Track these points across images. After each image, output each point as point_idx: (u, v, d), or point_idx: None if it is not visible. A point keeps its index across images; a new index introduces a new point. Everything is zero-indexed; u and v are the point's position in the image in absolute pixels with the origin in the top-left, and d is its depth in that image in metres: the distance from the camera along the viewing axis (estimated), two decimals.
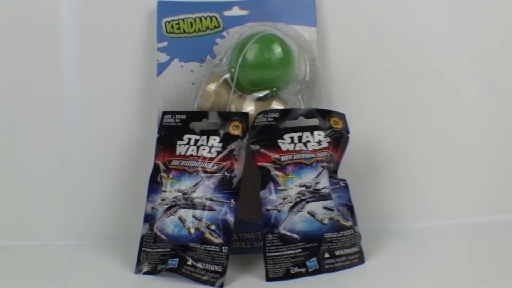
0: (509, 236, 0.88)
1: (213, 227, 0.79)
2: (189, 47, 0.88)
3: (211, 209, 0.79)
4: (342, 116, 0.83)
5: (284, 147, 0.81)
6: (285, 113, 0.81)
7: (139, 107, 0.91)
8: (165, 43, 0.88)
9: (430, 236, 0.89)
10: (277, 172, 0.80)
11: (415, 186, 0.93)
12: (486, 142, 0.93)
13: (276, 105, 0.84)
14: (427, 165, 0.93)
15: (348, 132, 0.83)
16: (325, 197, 0.80)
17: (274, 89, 0.85)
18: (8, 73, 0.92)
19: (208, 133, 0.82)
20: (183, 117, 0.83)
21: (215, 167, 0.81)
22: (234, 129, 0.81)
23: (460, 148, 0.93)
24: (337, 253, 0.80)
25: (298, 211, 0.79)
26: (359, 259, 0.81)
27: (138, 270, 0.81)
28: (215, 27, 0.89)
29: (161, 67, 0.88)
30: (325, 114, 0.83)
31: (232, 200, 0.79)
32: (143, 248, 0.82)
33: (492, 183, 0.93)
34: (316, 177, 0.81)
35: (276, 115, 0.81)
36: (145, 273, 0.81)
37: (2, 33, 0.91)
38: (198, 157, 0.82)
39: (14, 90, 0.92)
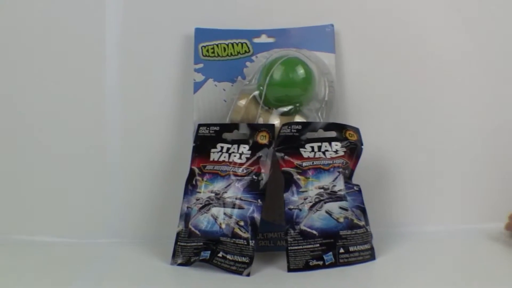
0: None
1: (241, 223, 0.85)
2: (222, 69, 0.95)
3: (240, 207, 0.86)
4: (356, 130, 0.90)
5: (305, 154, 0.88)
6: (307, 126, 0.89)
7: (177, 121, 0.97)
8: (201, 65, 0.95)
9: (435, 239, 0.94)
10: (299, 176, 0.87)
11: (421, 194, 0.99)
12: (490, 156, 0.99)
13: (298, 119, 0.91)
14: (432, 176, 0.99)
15: (361, 144, 0.90)
16: (341, 198, 0.87)
17: (297, 105, 0.91)
18: (55, 89, 0.98)
19: (238, 142, 0.89)
20: (217, 128, 0.90)
21: (245, 171, 0.88)
22: (262, 139, 0.89)
23: (464, 160, 0.99)
24: (351, 249, 0.86)
25: (317, 210, 0.86)
26: (370, 255, 0.87)
27: (173, 262, 0.88)
28: (246, 52, 0.95)
29: (197, 86, 0.95)
30: (341, 128, 0.90)
31: (259, 200, 0.86)
32: (178, 243, 0.88)
33: (495, 193, 0.99)
34: (333, 180, 0.87)
35: (299, 127, 0.88)
36: (180, 264, 0.87)
37: (52, 53, 0.98)
38: (230, 162, 0.89)
39: (62, 103, 0.98)
